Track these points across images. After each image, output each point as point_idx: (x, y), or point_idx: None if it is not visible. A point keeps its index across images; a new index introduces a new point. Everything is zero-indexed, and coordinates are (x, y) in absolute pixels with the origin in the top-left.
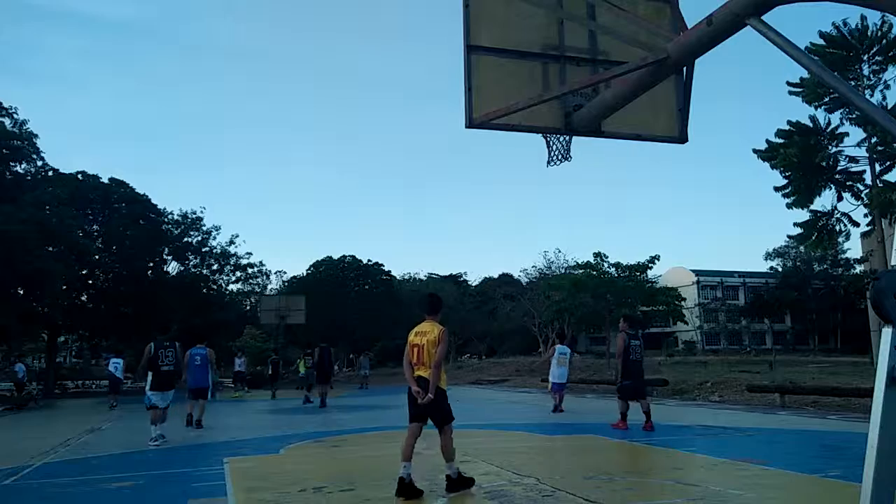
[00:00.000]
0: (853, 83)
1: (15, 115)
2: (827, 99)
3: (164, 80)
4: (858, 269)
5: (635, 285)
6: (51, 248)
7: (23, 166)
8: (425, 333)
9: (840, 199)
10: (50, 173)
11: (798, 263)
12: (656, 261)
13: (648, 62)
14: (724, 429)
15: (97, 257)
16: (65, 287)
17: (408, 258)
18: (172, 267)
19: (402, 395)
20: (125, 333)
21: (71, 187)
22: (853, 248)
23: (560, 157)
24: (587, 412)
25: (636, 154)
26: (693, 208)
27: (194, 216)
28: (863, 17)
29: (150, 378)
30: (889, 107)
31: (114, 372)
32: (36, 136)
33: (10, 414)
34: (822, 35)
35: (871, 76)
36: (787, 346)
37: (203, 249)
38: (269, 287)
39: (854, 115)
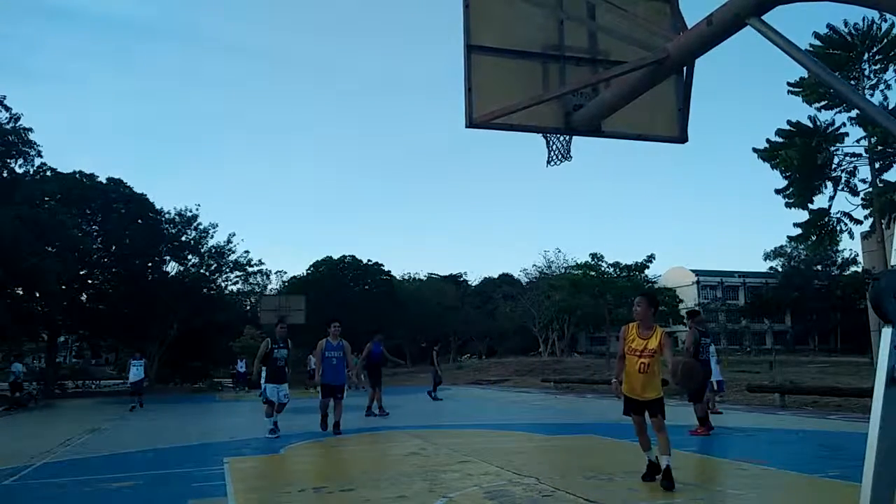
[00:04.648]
0: (854, 83)
1: (11, 110)
2: (826, 101)
3: (163, 78)
4: (853, 269)
5: (633, 285)
6: (49, 248)
7: (18, 163)
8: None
9: (833, 197)
10: (48, 173)
11: (796, 263)
12: (652, 259)
13: (648, 62)
14: (724, 429)
15: (96, 257)
16: (63, 287)
17: (408, 258)
18: (171, 267)
19: (399, 396)
20: (124, 334)
21: (69, 187)
22: (852, 248)
23: (560, 156)
24: (587, 412)
25: (636, 153)
26: (693, 208)
27: (190, 214)
28: (862, 18)
29: (265, 372)
30: (890, 107)
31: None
32: (30, 130)
33: (10, 414)
34: (822, 35)
35: (873, 76)
36: (787, 346)
37: (201, 249)
38: (269, 287)
39: (854, 116)
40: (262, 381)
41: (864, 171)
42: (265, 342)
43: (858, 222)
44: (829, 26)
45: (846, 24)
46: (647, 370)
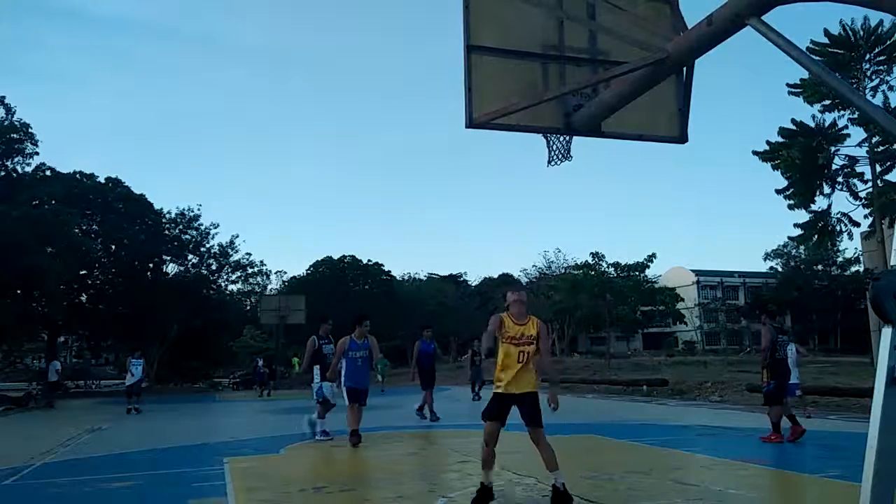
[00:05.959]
0: (854, 83)
1: (8, 105)
2: (828, 102)
3: (163, 78)
4: (854, 269)
5: (633, 285)
6: (50, 249)
7: (16, 160)
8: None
9: (831, 194)
10: (48, 173)
11: (796, 263)
12: (653, 259)
13: (648, 62)
14: (724, 429)
15: (96, 257)
16: (63, 287)
17: (408, 258)
18: (171, 267)
19: (399, 396)
20: (124, 334)
21: (69, 186)
22: (852, 248)
23: (560, 156)
24: (587, 412)
25: (636, 154)
26: (693, 208)
27: (191, 214)
28: (866, 18)
29: (317, 371)
30: (892, 107)
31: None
32: (28, 126)
33: (12, 413)
34: (826, 34)
35: (874, 76)
36: None
37: (201, 249)
38: (269, 287)
39: (855, 116)
40: (316, 380)
41: (865, 172)
42: (311, 340)
43: (856, 224)
44: (841, 23)
45: (852, 22)
46: (526, 360)
